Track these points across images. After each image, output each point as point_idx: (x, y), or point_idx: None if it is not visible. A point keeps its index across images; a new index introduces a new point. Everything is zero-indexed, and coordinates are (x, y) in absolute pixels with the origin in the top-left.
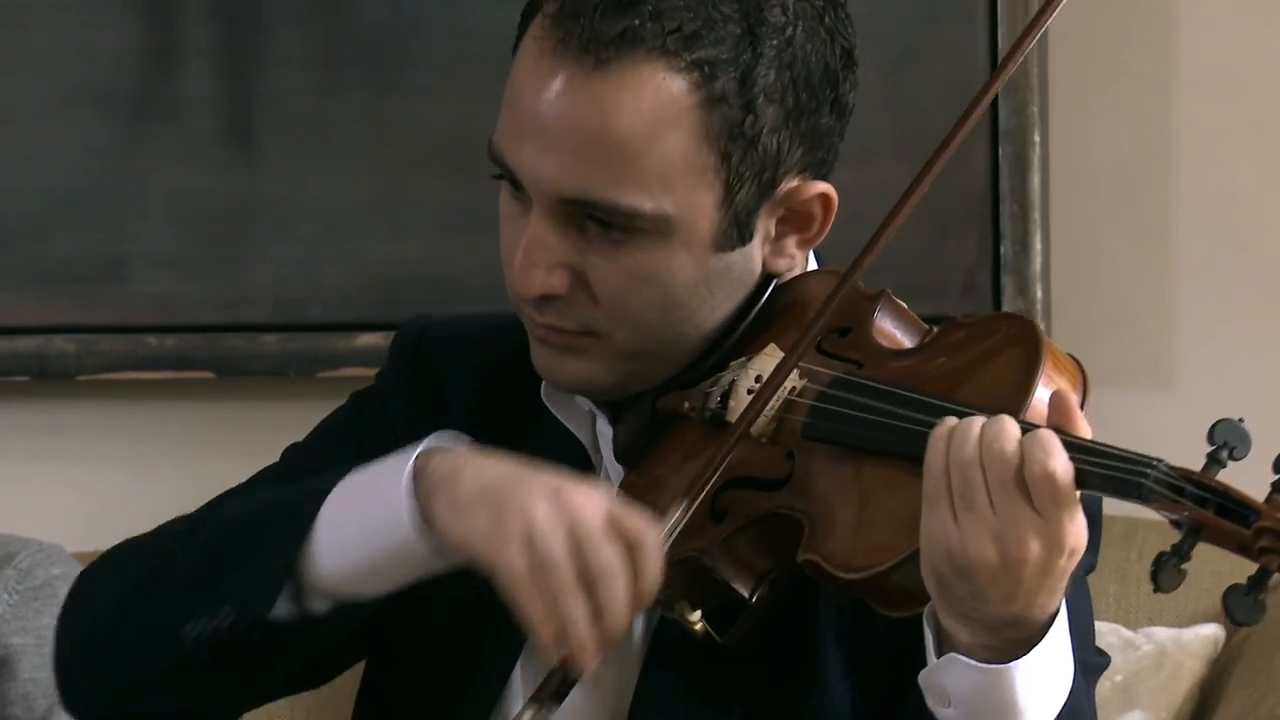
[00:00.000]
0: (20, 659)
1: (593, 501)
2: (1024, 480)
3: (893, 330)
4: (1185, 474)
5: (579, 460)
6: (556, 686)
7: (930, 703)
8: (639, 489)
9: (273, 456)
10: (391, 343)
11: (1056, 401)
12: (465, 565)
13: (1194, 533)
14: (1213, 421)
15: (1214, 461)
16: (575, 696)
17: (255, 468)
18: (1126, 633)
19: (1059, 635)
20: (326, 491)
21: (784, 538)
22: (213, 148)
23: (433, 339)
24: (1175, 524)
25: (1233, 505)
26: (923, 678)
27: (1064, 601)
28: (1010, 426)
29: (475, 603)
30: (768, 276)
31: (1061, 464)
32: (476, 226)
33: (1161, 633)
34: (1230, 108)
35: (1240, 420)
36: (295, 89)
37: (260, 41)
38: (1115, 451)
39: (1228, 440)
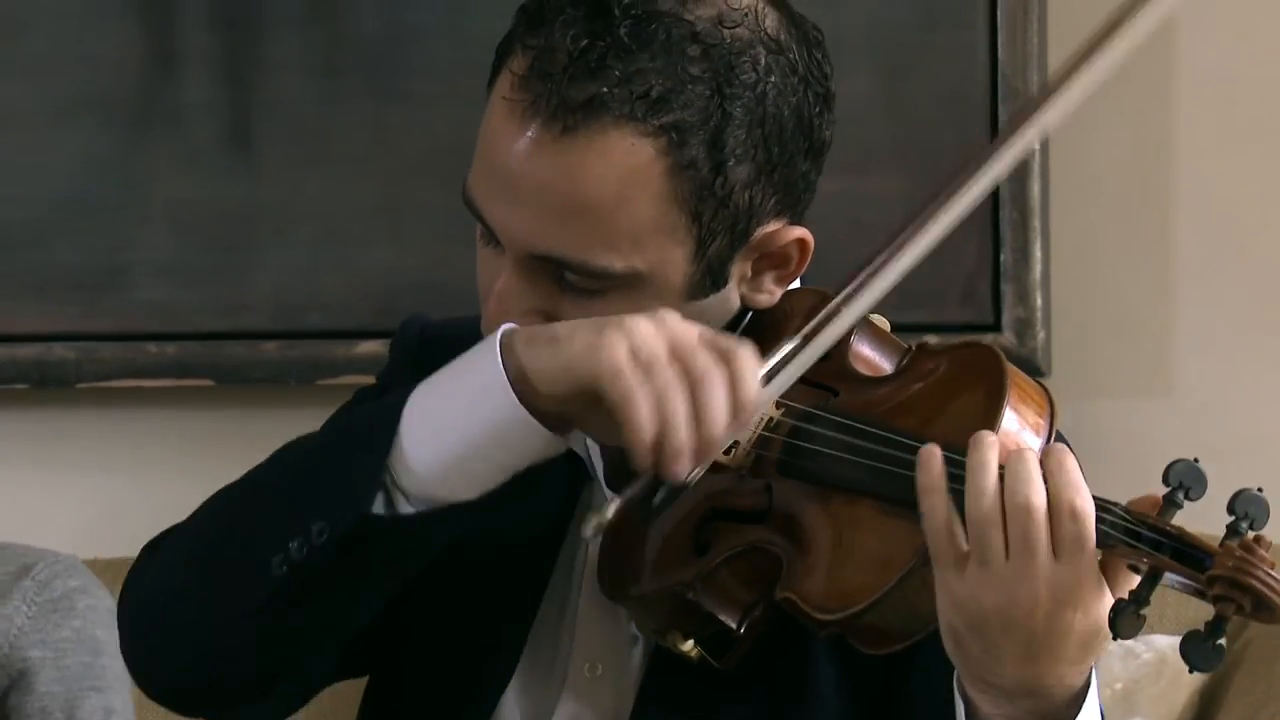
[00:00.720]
0: (38, 672)
1: (687, 324)
2: (1050, 526)
3: (870, 355)
4: (1140, 517)
5: (577, 470)
6: (644, 490)
7: None
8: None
9: None
10: (392, 341)
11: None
12: (565, 433)
13: (1152, 578)
14: (1170, 461)
15: (1170, 504)
16: (580, 704)
17: None
18: (1127, 640)
19: (1088, 713)
20: (404, 399)
21: (766, 571)
22: (213, 155)
23: (433, 336)
24: (1134, 568)
25: (1188, 550)
26: None
27: (1098, 700)
28: (1031, 466)
29: (472, 622)
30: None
31: (1086, 501)
32: (475, 235)
33: (1162, 640)
34: (1229, 115)
35: (1195, 460)
36: (295, 96)
37: (260, 48)
38: None
39: (1183, 481)
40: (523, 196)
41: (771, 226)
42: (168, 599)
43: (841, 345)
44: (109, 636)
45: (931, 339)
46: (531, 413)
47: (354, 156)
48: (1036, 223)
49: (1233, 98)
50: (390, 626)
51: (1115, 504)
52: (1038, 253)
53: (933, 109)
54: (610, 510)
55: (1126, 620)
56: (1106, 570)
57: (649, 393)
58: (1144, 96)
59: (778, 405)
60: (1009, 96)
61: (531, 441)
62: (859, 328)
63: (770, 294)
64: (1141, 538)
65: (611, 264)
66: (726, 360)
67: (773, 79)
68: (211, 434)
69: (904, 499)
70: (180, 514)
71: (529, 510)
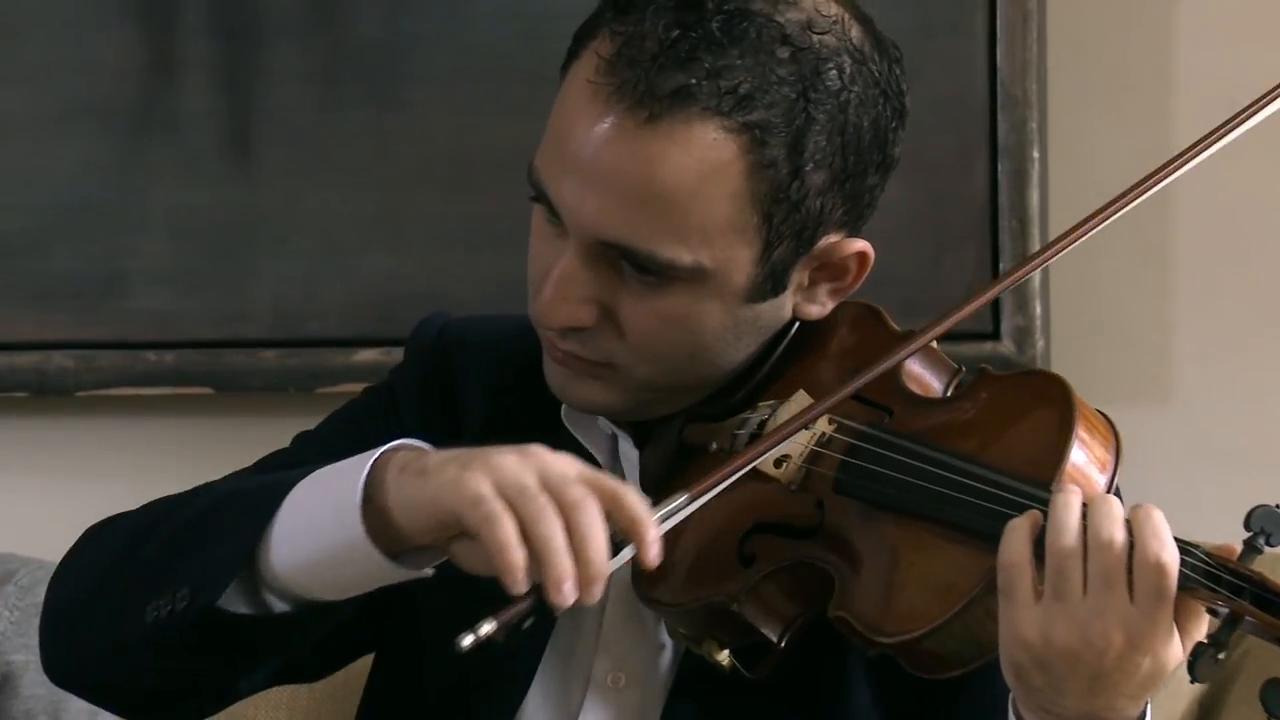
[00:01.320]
0: (21, 676)
1: (560, 457)
2: (1130, 568)
3: (922, 373)
4: (1222, 562)
5: None
6: (525, 613)
7: None
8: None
9: None
10: (409, 339)
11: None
12: (430, 570)
13: (1232, 623)
14: (1251, 508)
15: (1251, 549)
16: (603, 713)
17: None
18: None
19: None
20: (289, 486)
21: (813, 587)
22: (212, 163)
23: (451, 339)
24: (1212, 612)
25: (1270, 596)
26: None
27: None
28: (1117, 510)
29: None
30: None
31: (1172, 555)
32: (475, 242)
33: None
34: None
35: (1278, 506)
36: (294, 104)
37: (259, 56)
38: None
39: (1264, 527)
40: (597, 181)
41: (834, 237)
42: (73, 607)
43: (894, 365)
44: None
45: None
46: (391, 541)
47: (353, 165)
48: (1035, 231)
49: (1232, 107)
50: (404, 633)
51: (1196, 546)
52: None
53: (931, 116)
54: (484, 630)
55: (1205, 665)
56: (1179, 612)
57: (512, 519)
58: (1143, 106)
59: (830, 420)
60: (1008, 104)
61: (374, 568)
62: (915, 349)
63: (823, 306)
64: (1222, 582)
65: (679, 257)
66: (603, 491)
67: (856, 89)
68: (210, 442)
69: (970, 526)
70: None
71: None
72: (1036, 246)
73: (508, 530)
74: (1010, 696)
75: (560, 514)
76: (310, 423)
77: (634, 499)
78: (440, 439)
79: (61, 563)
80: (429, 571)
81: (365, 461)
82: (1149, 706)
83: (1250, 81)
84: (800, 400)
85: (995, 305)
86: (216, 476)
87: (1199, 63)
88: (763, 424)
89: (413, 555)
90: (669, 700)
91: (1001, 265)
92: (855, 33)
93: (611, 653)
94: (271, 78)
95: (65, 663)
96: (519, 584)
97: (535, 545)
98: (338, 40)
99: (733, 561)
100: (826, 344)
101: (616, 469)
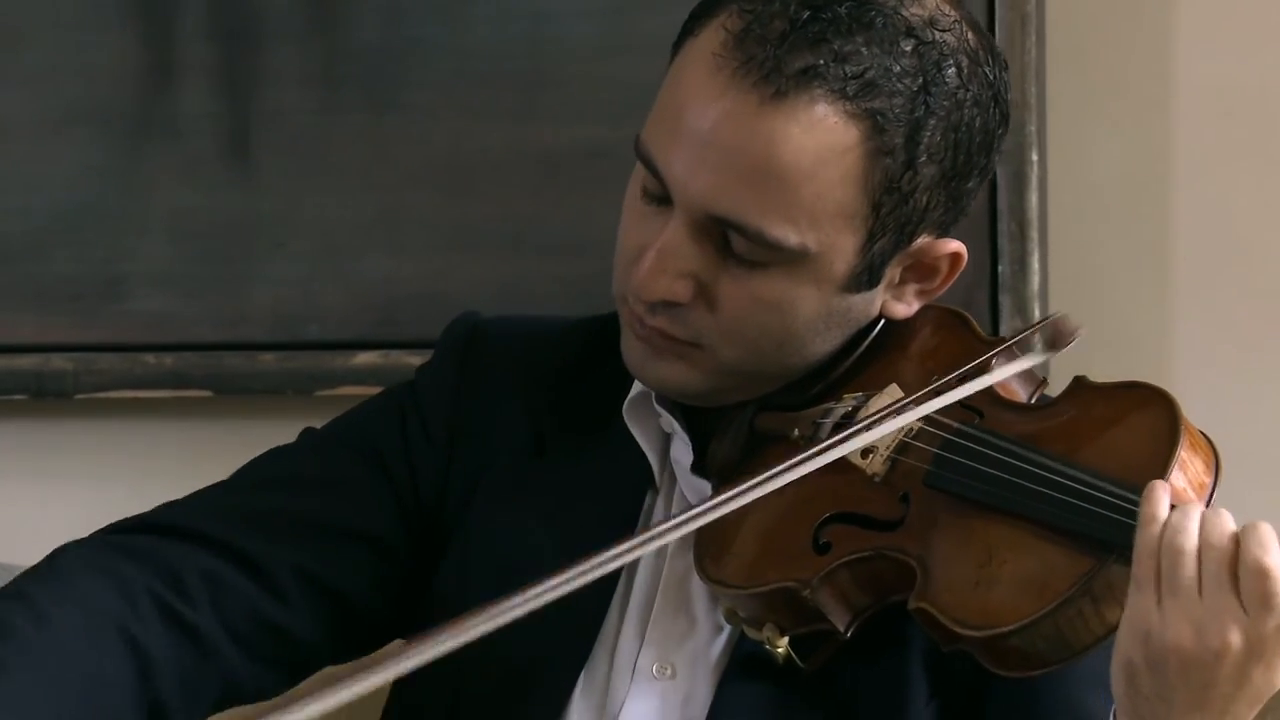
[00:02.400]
0: None
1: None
2: (1236, 574)
3: (1009, 380)
4: None
5: (644, 480)
6: None
7: None
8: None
9: None
10: (440, 339)
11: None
12: None
13: None
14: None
15: None
16: (649, 702)
17: None
18: None
19: None
20: None
21: (888, 579)
22: (211, 166)
23: (487, 336)
24: None
25: None
26: None
27: None
28: (1228, 520)
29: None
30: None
31: (1276, 561)
32: (475, 245)
33: None
34: (1228, 128)
35: None
36: (294, 107)
37: (259, 59)
38: None
39: None
40: (713, 154)
41: (930, 236)
42: None
43: (981, 370)
44: None
45: None
46: None
47: (353, 168)
48: (1034, 234)
49: (1231, 110)
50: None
51: None
52: (1035, 265)
53: None
54: None
55: None
56: None
57: None
58: (1142, 109)
59: (920, 418)
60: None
61: None
62: (1000, 354)
63: (909, 305)
64: None
65: (786, 236)
66: None
67: (972, 89)
68: (210, 444)
69: (1068, 527)
70: None
71: (595, 516)
72: (1035, 250)
73: None
74: (1111, 710)
75: None
76: (309, 425)
77: None
78: (476, 438)
79: None
80: None
81: None
82: None
83: (1249, 85)
84: (893, 393)
85: (994, 307)
86: (216, 479)
87: (1198, 66)
88: (848, 414)
89: None
90: (719, 689)
91: (1000, 269)
92: (972, 36)
93: (658, 644)
94: (271, 81)
95: None
96: None
97: None
98: (337, 44)
99: (806, 548)
100: (909, 344)
101: (666, 469)
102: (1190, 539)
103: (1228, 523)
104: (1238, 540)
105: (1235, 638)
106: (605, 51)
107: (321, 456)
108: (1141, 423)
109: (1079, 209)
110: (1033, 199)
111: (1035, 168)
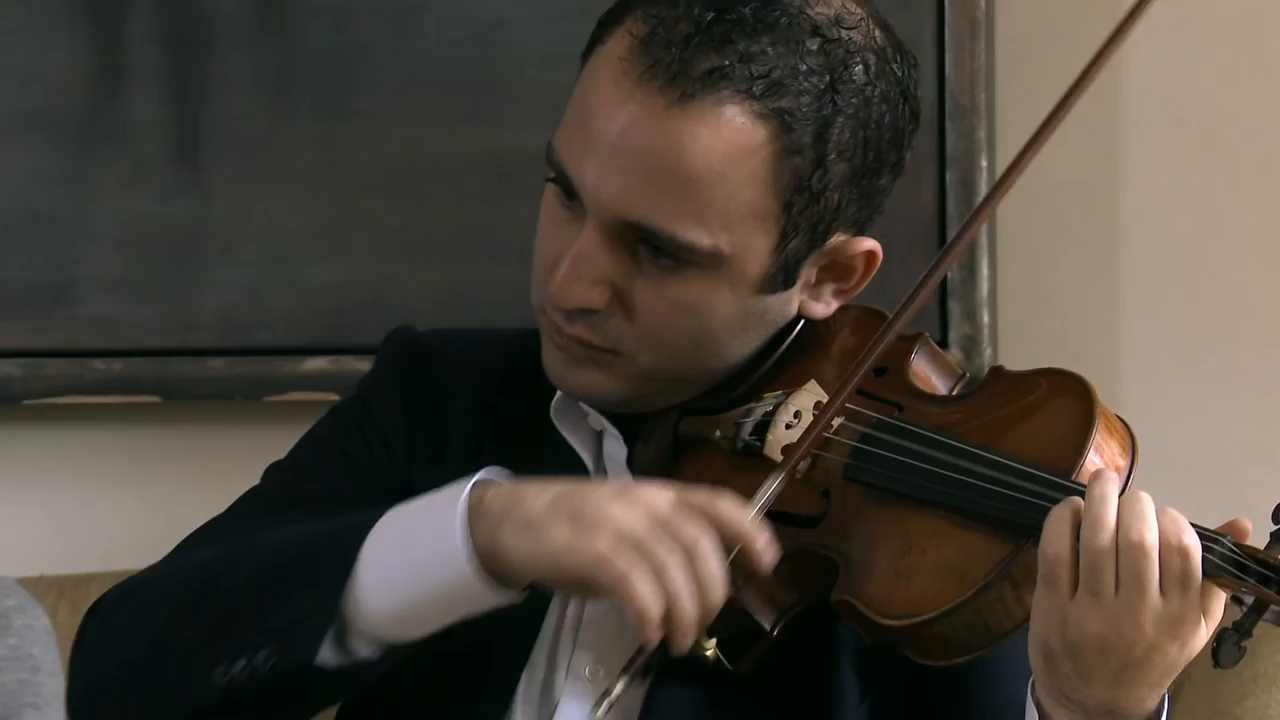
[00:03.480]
0: None
1: (657, 490)
2: (1160, 558)
3: (928, 373)
4: (1249, 551)
5: (582, 476)
6: (647, 663)
7: None
8: None
9: (220, 480)
10: (381, 351)
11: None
12: (527, 593)
13: (1257, 610)
14: (1153, 446)
15: (1277, 541)
16: (583, 704)
17: (203, 492)
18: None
19: None
20: (366, 529)
21: (813, 575)
22: (160, 172)
23: (426, 346)
24: (1236, 600)
25: None
26: None
27: (1165, 708)
28: (1148, 508)
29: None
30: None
31: (1192, 540)
32: (424, 252)
33: None
34: (1177, 134)
35: None
36: (243, 113)
37: (208, 65)
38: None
39: None
40: (623, 159)
41: (844, 235)
42: (118, 678)
43: (900, 362)
44: (45, 654)
45: None
46: (493, 577)
47: (302, 174)
48: (984, 241)
49: (1180, 118)
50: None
51: (1223, 535)
52: (984, 271)
53: None
54: (618, 688)
55: (1228, 650)
56: (1203, 599)
57: (645, 572)
58: (1091, 115)
59: (839, 413)
60: (956, 113)
61: (487, 600)
62: (918, 346)
63: (827, 305)
64: (1248, 570)
65: (699, 239)
66: (712, 518)
67: (879, 86)
68: (158, 451)
69: (986, 513)
70: (128, 531)
71: None
72: (984, 256)
73: (644, 590)
74: (1030, 681)
75: (682, 556)
76: (258, 432)
77: (731, 513)
78: (428, 445)
79: (88, 636)
80: (521, 596)
81: (456, 501)
82: (1167, 697)
83: (1198, 92)
84: (812, 390)
85: (943, 314)
86: (165, 484)
87: (1146, 73)
88: (769, 414)
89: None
90: (649, 692)
91: (949, 275)
92: (879, 34)
93: (593, 647)
94: (220, 87)
95: None
96: (657, 636)
97: (666, 593)
98: (286, 50)
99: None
100: (829, 344)
101: (600, 468)
102: (1105, 539)
103: (1147, 514)
104: (1158, 528)
105: (1150, 627)
106: (555, 58)
107: (310, 475)
108: (1057, 408)
109: (1028, 215)
110: None
111: (984, 173)
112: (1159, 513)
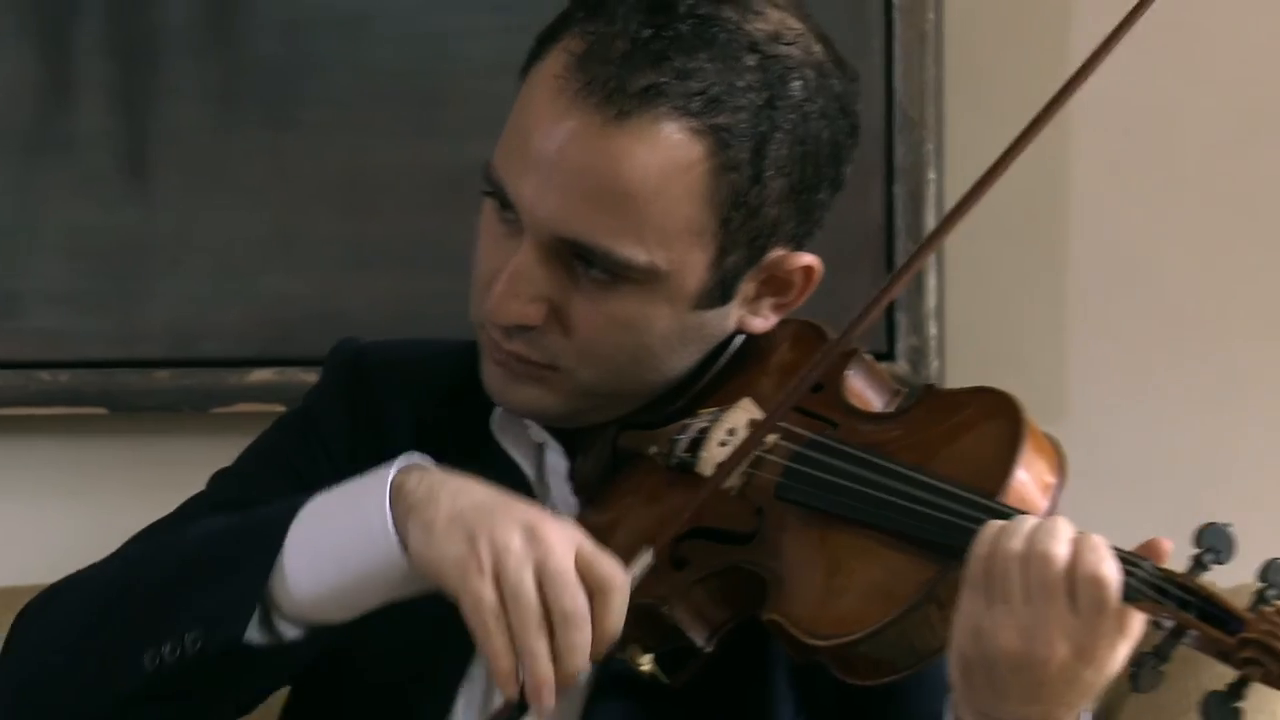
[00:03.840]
0: None
1: (565, 540)
2: (1070, 581)
3: (864, 390)
4: (1169, 575)
5: (522, 492)
6: (510, 713)
7: None
8: (596, 527)
9: (167, 491)
10: (326, 363)
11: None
12: (434, 591)
13: (1176, 635)
14: (1201, 525)
15: (1198, 565)
16: None
17: (149, 503)
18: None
19: None
20: (292, 513)
21: (745, 592)
22: (107, 183)
23: (370, 359)
24: (1155, 625)
25: (1217, 611)
26: None
27: None
28: (1063, 528)
29: (413, 648)
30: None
31: (1111, 569)
32: (371, 263)
33: None
34: (1125, 146)
35: (1228, 526)
36: (191, 124)
37: (156, 76)
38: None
39: (1214, 545)
40: (559, 176)
41: (783, 250)
42: (45, 675)
43: (835, 378)
44: None
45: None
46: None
47: (249, 185)
48: (931, 253)
49: (1127, 130)
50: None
51: (1145, 559)
52: (932, 282)
53: None
54: None
55: (1147, 674)
56: (1122, 623)
57: (509, 629)
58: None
59: (774, 431)
60: (905, 126)
61: (407, 584)
62: (854, 362)
63: (765, 319)
64: (1168, 594)
65: (635, 256)
66: (597, 594)
67: (818, 102)
68: (105, 462)
69: (912, 534)
70: (74, 542)
71: None
72: (932, 268)
73: (500, 643)
74: (950, 698)
75: (547, 626)
76: (204, 443)
77: (618, 599)
78: (371, 457)
79: (10, 642)
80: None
81: (382, 485)
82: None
83: (1146, 104)
84: (746, 408)
85: (890, 326)
86: (111, 495)
87: (1094, 85)
88: (704, 431)
89: None
90: (586, 708)
91: None
92: (818, 49)
93: None
94: (168, 98)
95: None
96: (509, 689)
97: (521, 652)
98: (235, 61)
99: (665, 563)
100: (767, 359)
101: (543, 480)
102: (1018, 545)
103: (1060, 531)
104: (1071, 548)
105: (1062, 646)
106: (503, 69)
107: (254, 485)
108: (987, 429)
109: (975, 228)
110: (929, 218)
111: (932, 186)
112: (1080, 537)
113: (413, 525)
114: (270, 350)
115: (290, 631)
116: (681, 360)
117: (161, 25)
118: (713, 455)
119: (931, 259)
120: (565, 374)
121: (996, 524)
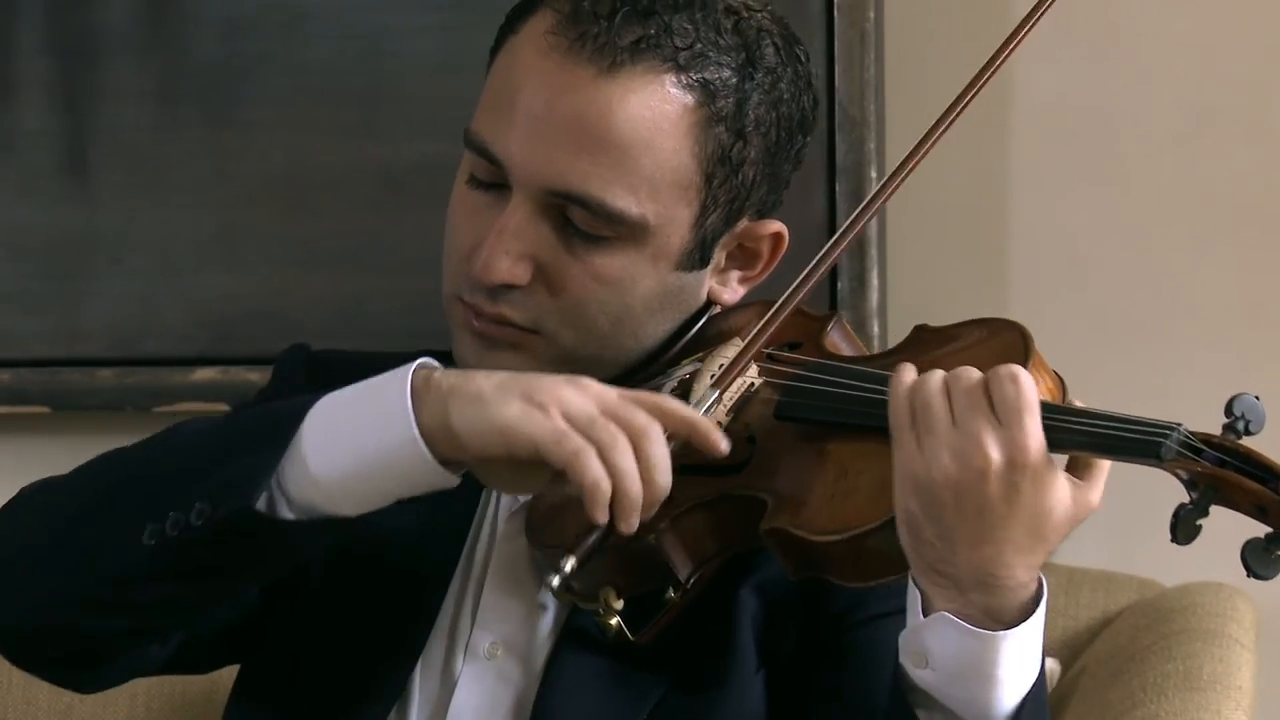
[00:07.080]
0: None
1: (607, 388)
2: (987, 387)
3: (841, 345)
4: (1205, 438)
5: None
6: (597, 544)
7: (908, 663)
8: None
9: None
10: (277, 366)
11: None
12: (444, 488)
13: (1212, 489)
14: (1232, 395)
15: (1230, 430)
16: (481, 683)
17: None
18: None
19: (1039, 619)
20: (308, 404)
21: (735, 519)
22: (48, 182)
23: (322, 360)
24: (1190, 484)
25: (1253, 468)
26: (904, 637)
27: (1044, 595)
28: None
29: (376, 614)
30: (705, 304)
31: (1022, 369)
32: (313, 262)
33: None
34: (1064, 150)
35: (1257, 397)
36: (131, 123)
37: (96, 75)
38: (1135, 417)
39: (1244, 414)
40: (551, 130)
41: (751, 219)
42: (28, 543)
43: (815, 336)
44: None
45: None
46: (437, 458)
47: (191, 184)
48: (874, 252)
49: (1068, 132)
50: (286, 617)
51: (1179, 424)
52: (874, 281)
53: None
54: (567, 566)
55: (1186, 526)
56: (1076, 464)
57: (595, 451)
58: (981, 130)
59: (760, 373)
60: (846, 124)
61: (425, 477)
62: (833, 323)
63: (733, 291)
64: (1203, 454)
65: (628, 207)
66: (659, 411)
67: (790, 69)
68: (47, 461)
69: None
70: None
71: (434, 502)
72: (874, 267)
73: (596, 464)
74: (909, 572)
75: (630, 440)
76: None
77: (677, 405)
78: None
79: (4, 511)
80: (456, 480)
81: (404, 378)
82: (1044, 599)
83: (1086, 106)
84: (735, 345)
85: None
86: None
87: (1035, 85)
88: (695, 373)
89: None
90: (548, 665)
91: (839, 285)
92: (780, 27)
93: (490, 626)
94: (108, 97)
95: (20, 603)
96: (605, 513)
97: (613, 472)
98: (175, 60)
99: None
100: (731, 336)
101: None
102: (936, 379)
103: (973, 369)
104: (984, 375)
105: (994, 452)
106: (444, 68)
107: None
108: (992, 344)
109: (917, 227)
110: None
111: (874, 184)
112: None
113: (456, 405)
114: (213, 349)
115: (294, 517)
116: (658, 326)
117: (102, 25)
118: (706, 387)
119: (874, 259)
120: (546, 338)
121: (909, 368)
